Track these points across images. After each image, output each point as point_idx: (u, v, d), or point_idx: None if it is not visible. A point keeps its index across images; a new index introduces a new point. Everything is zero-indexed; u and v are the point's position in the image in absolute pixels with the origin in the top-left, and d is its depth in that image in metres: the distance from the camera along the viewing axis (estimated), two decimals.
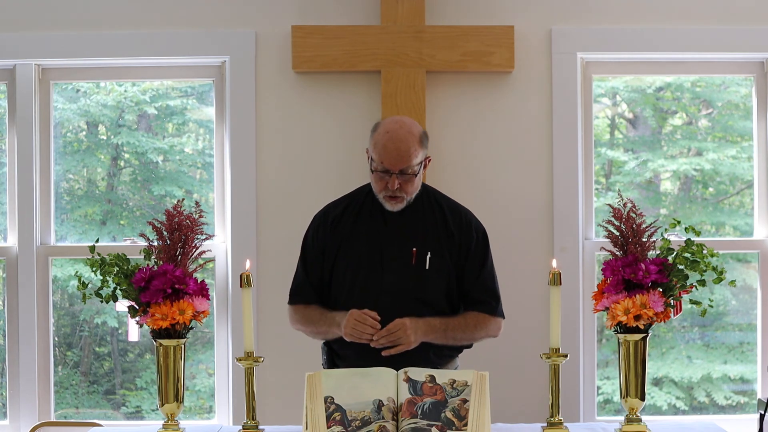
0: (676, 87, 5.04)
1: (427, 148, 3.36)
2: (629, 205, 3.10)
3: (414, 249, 3.33)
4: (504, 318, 3.43)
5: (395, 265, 3.33)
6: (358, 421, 2.85)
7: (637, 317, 2.95)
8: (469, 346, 3.47)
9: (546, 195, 4.22)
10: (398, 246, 3.35)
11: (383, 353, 3.18)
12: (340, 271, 3.38)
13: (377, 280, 3.32)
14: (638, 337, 2.99)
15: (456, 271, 3.37)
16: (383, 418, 2.86)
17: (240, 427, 3.04)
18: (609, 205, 3.18)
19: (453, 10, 4.19)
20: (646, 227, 3.07)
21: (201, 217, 3.13)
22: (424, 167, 3.37)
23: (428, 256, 3.33)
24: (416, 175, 3.30)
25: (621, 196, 3.16)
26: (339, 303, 3.35)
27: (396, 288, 3.30)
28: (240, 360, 3.02)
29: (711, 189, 5.23)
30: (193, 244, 3.10)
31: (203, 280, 3.08)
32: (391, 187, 3.28)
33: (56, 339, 4.66)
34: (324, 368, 3.47)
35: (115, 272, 3.05)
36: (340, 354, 3.39)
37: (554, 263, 3.06)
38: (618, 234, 3.10)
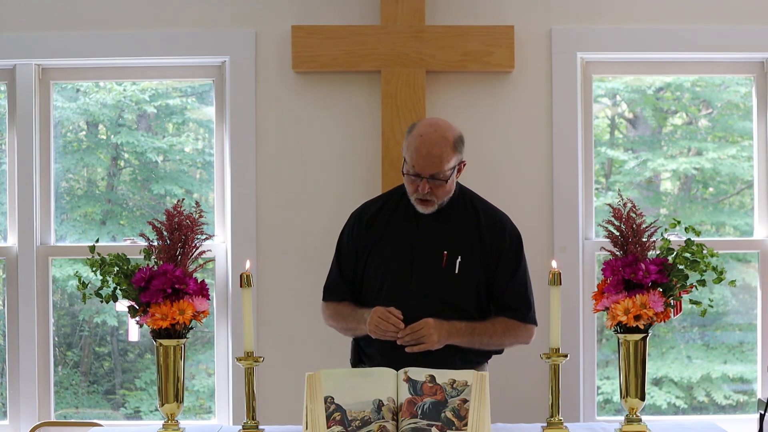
0: (676, 87, 5.03)
1: (461, 152, 3.32)
2: (629, 204, 3.10)
3: (445, 252, 3.32)
4: (536, 325, 3.40)
5: (425, 267, 3.31)
6: (358, 421, 2.85)
7: (637, 317, 2.95)
8: (500, 353, 3.45)
9: (546, 195, 4.21)
10: (429, 248, 3.33)
11: (407, 350, 3.19)
12: (370, 272, 3.37)
13: (406, 282, 3.31)
14: (638, 337, 2.99)
15: (486, 275, 3.34)
16: (383, 418, 2.86)
17: (240, 427, 3.04)
18: (609, 204, 3.18)
19: (453, 10, 4.19)
20: (646, 227, 3.07)
21: (201, 217, 3.13)
22: (458, 171, 3.34)
23: (458, 259, 3.31)
24: (447, 180, 3.27)
25: (621, 196, 3.16)
26: (368, 303, 3.34)
27: (424, 291, 3.29)
28: (240, 360, 3.02)
29: (711, 189, 5.23)
30: (193, 244, 3.10)
31: (203, 280, 3.08)
32: (421, 190, 3.26)
33: (56, 339, 4.66)
34: (350, 365, 3.49)
35: (115, 272, 3.05)
36: (367, 352, 3.40)
37: (554, 263, 3.06)
38: (618, 234, 3.09)
